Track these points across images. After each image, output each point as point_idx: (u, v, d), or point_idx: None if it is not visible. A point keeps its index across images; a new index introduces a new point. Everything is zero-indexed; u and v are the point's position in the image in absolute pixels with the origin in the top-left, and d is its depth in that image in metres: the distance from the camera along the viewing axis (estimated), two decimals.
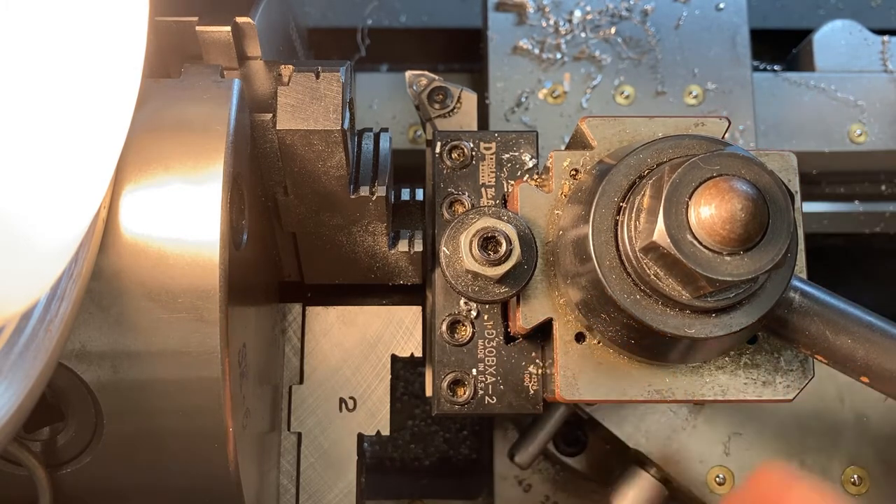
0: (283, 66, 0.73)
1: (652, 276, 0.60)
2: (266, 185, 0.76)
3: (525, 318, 0.69)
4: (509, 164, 0.79)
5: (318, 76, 0.72)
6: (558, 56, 1.07)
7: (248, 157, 0.70)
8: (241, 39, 0.72)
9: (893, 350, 0.65)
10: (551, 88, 1.06)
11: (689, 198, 0.57)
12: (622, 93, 1.06)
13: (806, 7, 1.27)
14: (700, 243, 0.56)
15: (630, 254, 0.61)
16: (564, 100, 1.06)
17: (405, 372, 1.22)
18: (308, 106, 0.72)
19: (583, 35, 1.08)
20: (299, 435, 0.87)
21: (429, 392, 0.81)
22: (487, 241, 0.67)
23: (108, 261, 0.61)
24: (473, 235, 0.68)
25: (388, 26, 1.24)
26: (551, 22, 1.08)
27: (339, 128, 0.72)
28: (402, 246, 0.84)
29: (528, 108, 1.06)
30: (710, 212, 0.55)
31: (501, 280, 0.68)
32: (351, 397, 0.88)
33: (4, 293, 0.49)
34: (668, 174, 0.58)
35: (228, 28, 0.71)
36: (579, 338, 0.68)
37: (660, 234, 0.57)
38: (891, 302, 1.22)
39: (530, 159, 0.80)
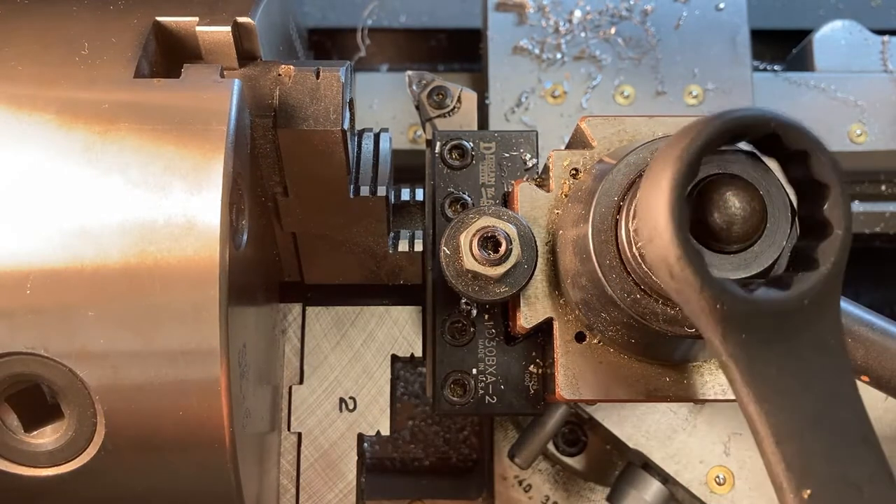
0: (283, 66, 0.73)
1: (644, 266, 0.60)
2: (266, 185, 0.76)
3: (525, 317, 0.69)
4: (509, 164, 0.79)
5: (318, 76, 0.72)
6: (558, 56, 1.07)
7: (248, 157, 0.70)
8: (241, 39, 0.72)
9: (893, 350, 0.65)
10: (551, 88, 1.06)
11: (689, 193, 0.56)
12: (622, 93, 1.06)
13: (806, 7, 1.27)
14: (694, 237, 0.56)
15: (629, 251, 0.61)
16: (564, 100, 1.06)
17: (405, 372, 1.22)
18: (308, 106, 0.72)
19: (583, 35, 1.08)
20: (299, 435, 0.87)
21: (429, 392, 0.81)
22: (487, 241, 0.67)
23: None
24: (473, 235, 0.68)
25: (388, 26, 1.24)
26: (551, 22, 1.08)
27: (339, 128, 0.72)
28: (403, 246, 0.84)
29: (528, 108, 1.06)
30: (706, 208, 0.55)
31: (501, 280, 0.68)
32: (351, 397, 0.88)
33: None
34: None
35: (228, 28, 0.71)
36: (580, 337, 0.68)
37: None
38: (891, 302, 1.22)
39: (530, 159, 0.80)
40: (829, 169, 0.53)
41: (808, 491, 0.52)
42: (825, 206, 0.54)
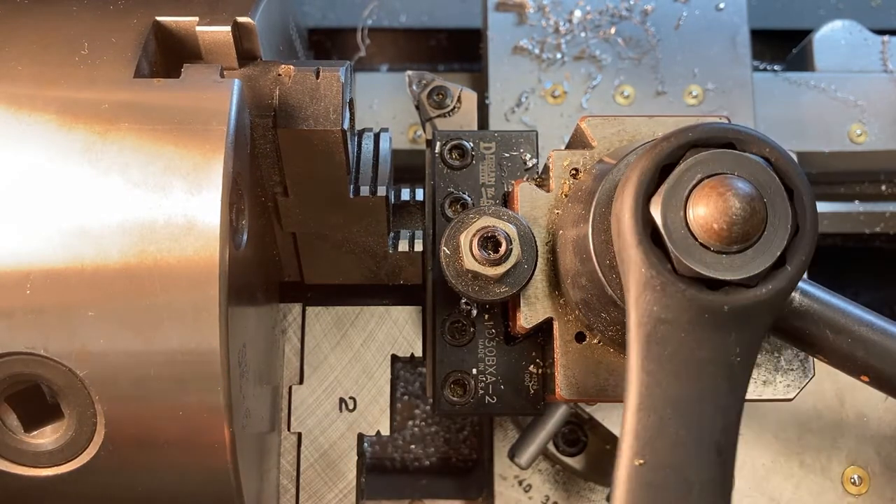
0: (283, 66, 0.73)
1: None
2: (266, 185, 0.76)
3: (525, 317, 0.69)
4: (509, 164, 0.79)
5: (318, 76, 0.72)
6: (558, 56, 1.07)
7: (248, 157, 0.70)
8: (241, 39, 0.72)
9: (893, 350, 0.65)
10: (551, 88, 1.06)
11: (689, 193, 0.56)
12: (622, 93, 1.06)
13: (806, 7, 1.27)
14: (693, 237, 0.56)
15: None
16: (564, 100, 1.06)
17: (405, 372, 1.22)
18: (308, 106, 0.72)
19: (583, 35, 1.08)
20: (299, 435, 0.87)
21: (429, 392, 0.81)
22: (487, 241, 0.67)
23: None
24: (473, 235, 0.68)
25: (388, 26, 1.24)
26: (551, 22, 1.08)
27: (339, 128, 0.72)
28: (403, 246, 0.84)
29: (528, 108, 1.06)
30: (706, 209, 0.55)
31: (501, 279, 0.68)
32: (351, 397, 0.88)
33: None
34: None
35: (228, 28, 0.71)
36: (580, 337, 0.68)
37: (655, 216, 0.57)
38: (891, 302, 1.22)
39: (530, 159, 0.80)
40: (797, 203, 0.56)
41: (642, 461, 0.54)
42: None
